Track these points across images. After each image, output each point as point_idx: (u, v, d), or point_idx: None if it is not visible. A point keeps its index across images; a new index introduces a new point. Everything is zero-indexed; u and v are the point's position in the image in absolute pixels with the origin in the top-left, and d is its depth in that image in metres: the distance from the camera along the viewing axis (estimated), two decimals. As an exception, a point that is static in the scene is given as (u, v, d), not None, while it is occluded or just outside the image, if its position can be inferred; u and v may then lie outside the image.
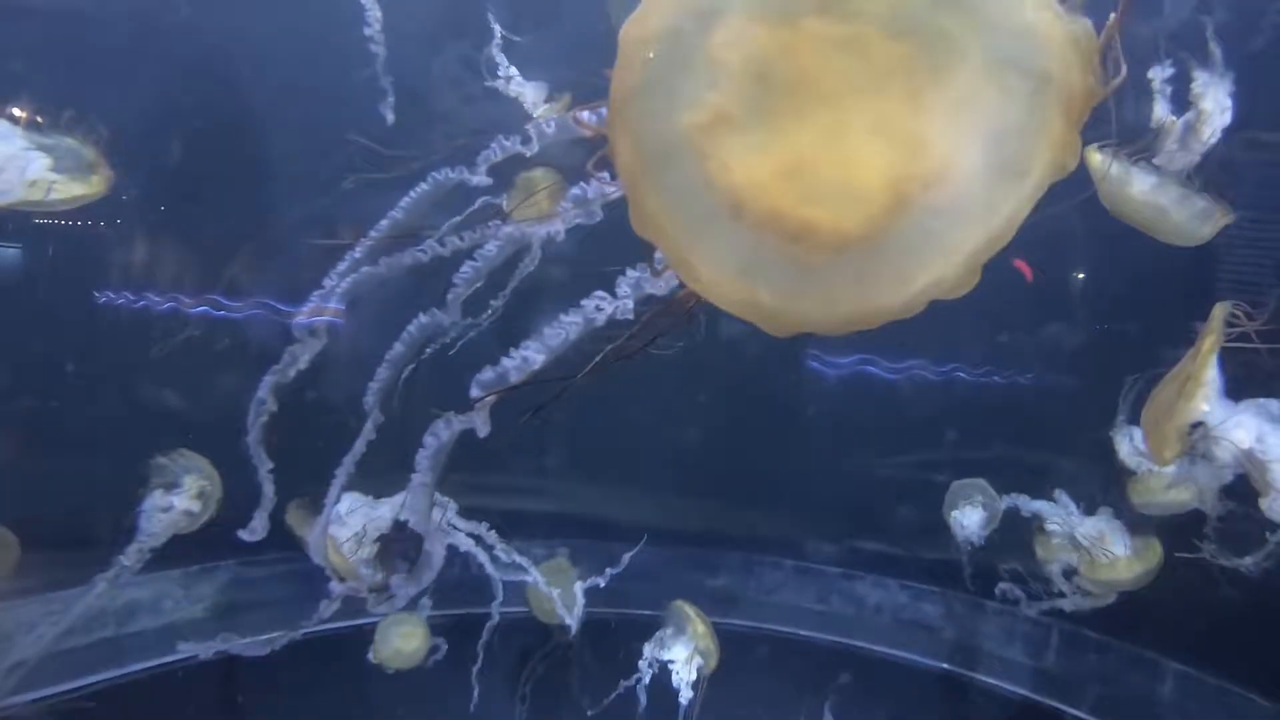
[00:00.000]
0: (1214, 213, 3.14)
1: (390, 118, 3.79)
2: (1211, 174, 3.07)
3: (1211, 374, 2.81)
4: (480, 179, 2.87)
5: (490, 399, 2.18)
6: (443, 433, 2.38)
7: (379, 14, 3.61)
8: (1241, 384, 2.86)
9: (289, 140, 4.62)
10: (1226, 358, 2.79)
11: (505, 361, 2.05)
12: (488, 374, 2.13)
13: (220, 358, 4.69)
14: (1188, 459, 2.86)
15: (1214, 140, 3.04)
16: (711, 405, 5.30)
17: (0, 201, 2.74)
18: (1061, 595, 3.84)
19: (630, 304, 2.03)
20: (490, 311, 3.42)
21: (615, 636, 4.63)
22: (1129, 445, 3.62)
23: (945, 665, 4.74)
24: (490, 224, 2.75)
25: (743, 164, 1.22)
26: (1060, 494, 3.84)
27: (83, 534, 3.56)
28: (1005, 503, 3.91)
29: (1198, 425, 2.78)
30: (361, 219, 4.87)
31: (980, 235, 1.23)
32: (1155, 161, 3.12)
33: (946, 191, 1.19)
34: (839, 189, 1.20)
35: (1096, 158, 3.21)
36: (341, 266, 5.08)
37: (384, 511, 3.58)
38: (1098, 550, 3.66)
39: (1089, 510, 3.78)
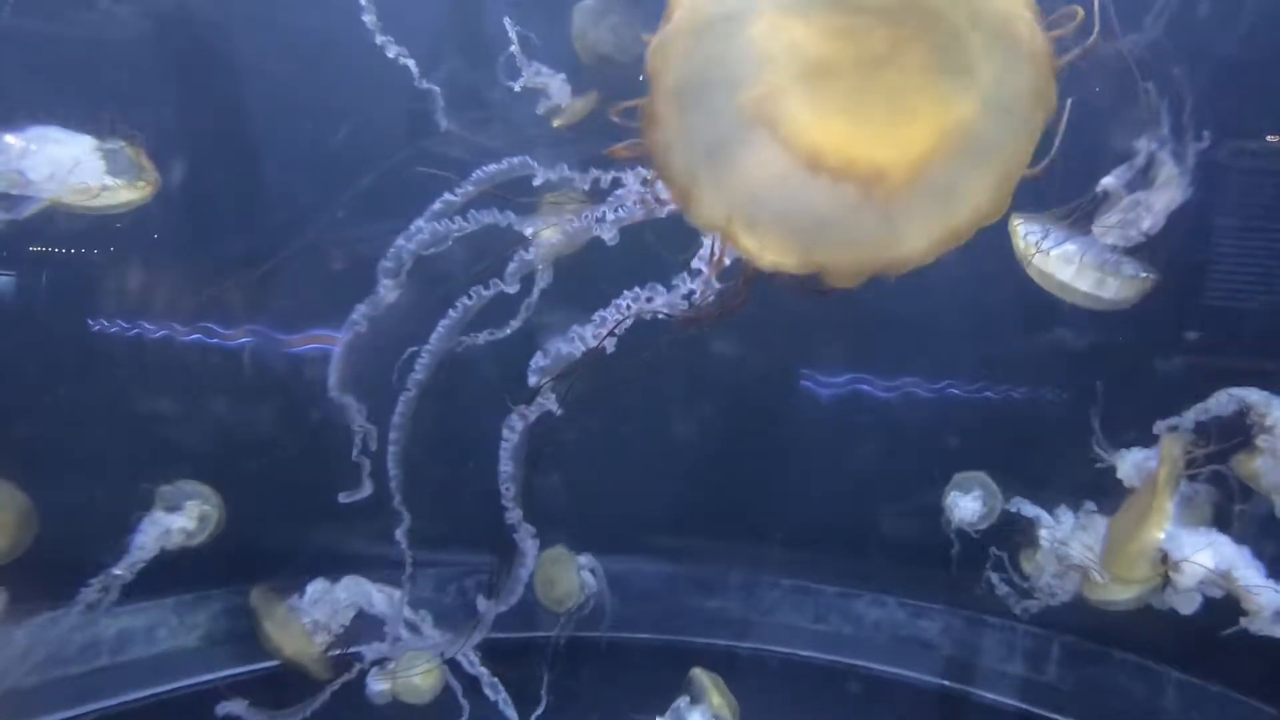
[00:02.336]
0: (1136, 281, 3.10)
1: (443, 123, 3.77)
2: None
3: (1167, 503, 2.85)
4: (545, 172, 2.82)
5: (549, 383, 2.20)
6: (518, 425, 2.38)
7: (379, 32, 3.58)
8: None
9: (285, 165, 4.61)
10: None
11: (558, 345, 2.05)
12: (542, 361, 2.16)
13: (217, 384, 4.66)
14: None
15: (1157, 228, 2.97)
16: (705, 427, 5.28)
17: (48, 198, 2.95)
18: (1051, 596, 3.80)
19: (679, 298, 2.02)
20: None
21: (611, 659, 4.59)
22: (1127, 466, 3.57)
23: (945, 682, 4.69)
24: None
25: (812, 120, 1.34)
26: (1062, 509, 3.82)
27: (78, 560, 3.48)
28: (1010, 504, 3.88)
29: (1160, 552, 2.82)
30: (360, 243, 4.89)
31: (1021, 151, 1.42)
32: (1093, 227, 3.04)
33: (982, 126, 1.37)
34: (894, 130, 1.35)
35: (1020, 234, 3.17)
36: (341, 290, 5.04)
37: (343, 596, 3.52)
38: (1093, 569, 3.63)
39: (1081, 524, 3.76)
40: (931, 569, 4.69)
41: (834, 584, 5.07)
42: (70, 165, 2.93)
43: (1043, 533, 3.78)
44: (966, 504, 4.10)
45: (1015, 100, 1.37)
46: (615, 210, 2.18)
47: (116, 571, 3.28)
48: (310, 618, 3.48)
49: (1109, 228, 2.98)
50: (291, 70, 4.45)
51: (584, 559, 4.28)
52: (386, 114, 4.35)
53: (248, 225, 4.71)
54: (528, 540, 2.55)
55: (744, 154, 1.37)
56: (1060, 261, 3.11)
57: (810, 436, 5.32)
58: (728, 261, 1.73)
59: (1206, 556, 2.77)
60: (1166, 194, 2.93)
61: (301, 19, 4.48)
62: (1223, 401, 3.08)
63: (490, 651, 3.72)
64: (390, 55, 3.46)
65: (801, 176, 1.34)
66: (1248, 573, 2.74)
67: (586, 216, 2.24)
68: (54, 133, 2.95)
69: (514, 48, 3.67)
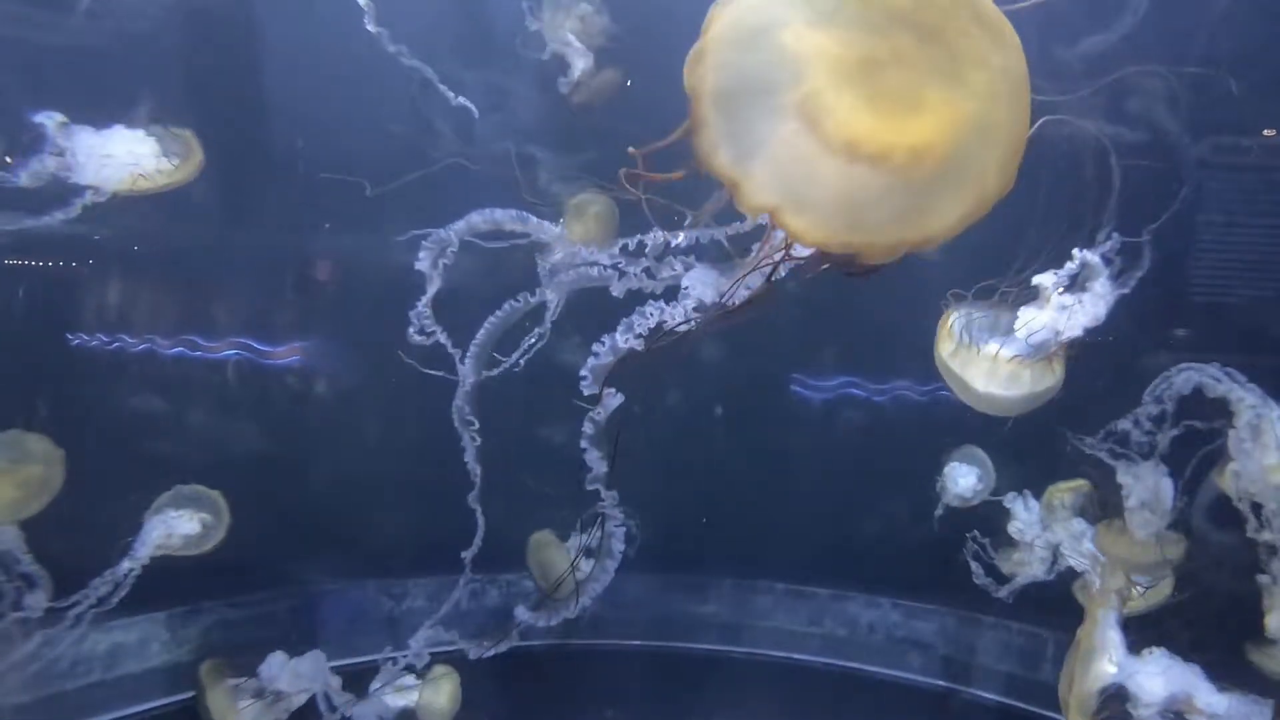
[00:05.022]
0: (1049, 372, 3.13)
1: (475, 112, 3.84)
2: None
3: (1110, 636, 2.92)
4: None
5: (604, 388, 2.32)
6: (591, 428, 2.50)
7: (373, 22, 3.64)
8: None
9: (268, 177, 4.65)
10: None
11: (598, 349, 2.15)
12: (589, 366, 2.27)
13: (202, 397, 4.70)
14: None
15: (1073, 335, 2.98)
16: (697, 433, 5.34)
17: (112, 185, 3.34)
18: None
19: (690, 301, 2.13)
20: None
21: (604, 666, 4.65)
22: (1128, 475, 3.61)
23: (941, 682, 4.77)
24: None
25: (847, 115, 1.54)
26: (1026, 496, 3.92)
27: (66, 574, 3.52)
28: (1007, 496, 3.95)
29: (1108, 689, 2.89)
30: (342, 255, 4.94)
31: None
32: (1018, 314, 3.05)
33: (987, 111, 1.60)
34: (915, 119, 1.55)
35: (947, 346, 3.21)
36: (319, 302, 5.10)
37: (302, 672, 3.56)
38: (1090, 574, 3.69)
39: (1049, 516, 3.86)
40: (924, 570, 4.78)
41: (827, 587, 5.14)
42: (132, 155, 3.34)
43: (1013, 524, 3.89)
44: (964, 475, 4.17)
45: (1011, 87, 1.62)
46: (636, 270, 2.29)
47: (129, 565, 3.38)
48: (268, 689, 3.53)
49: (1029, 325, 3.01)
50: (289, 75, 4.50)
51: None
52: (390, 119, 4.42)
53: (232, 237, 4.75)
54: (614, 543, 2.64)
55: (787, 148, 1.55)
56: (979, 362, 3.14)
57: (801, 440, 5.38)
58: (776, 255, 1.84)
59: (1160, 685, 2.85)
60: (1093, 311, 2.96)
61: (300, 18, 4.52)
62: (1195, 380, 3.15)
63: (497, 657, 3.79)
64: (391, 50, 3.52)
65: (840, 164, 1.53)
66: (1208, 697, 2.82)
67: (604, 264, 2.36)
68: (115, 128, 3.34)
69: (535, 25, 3.71)
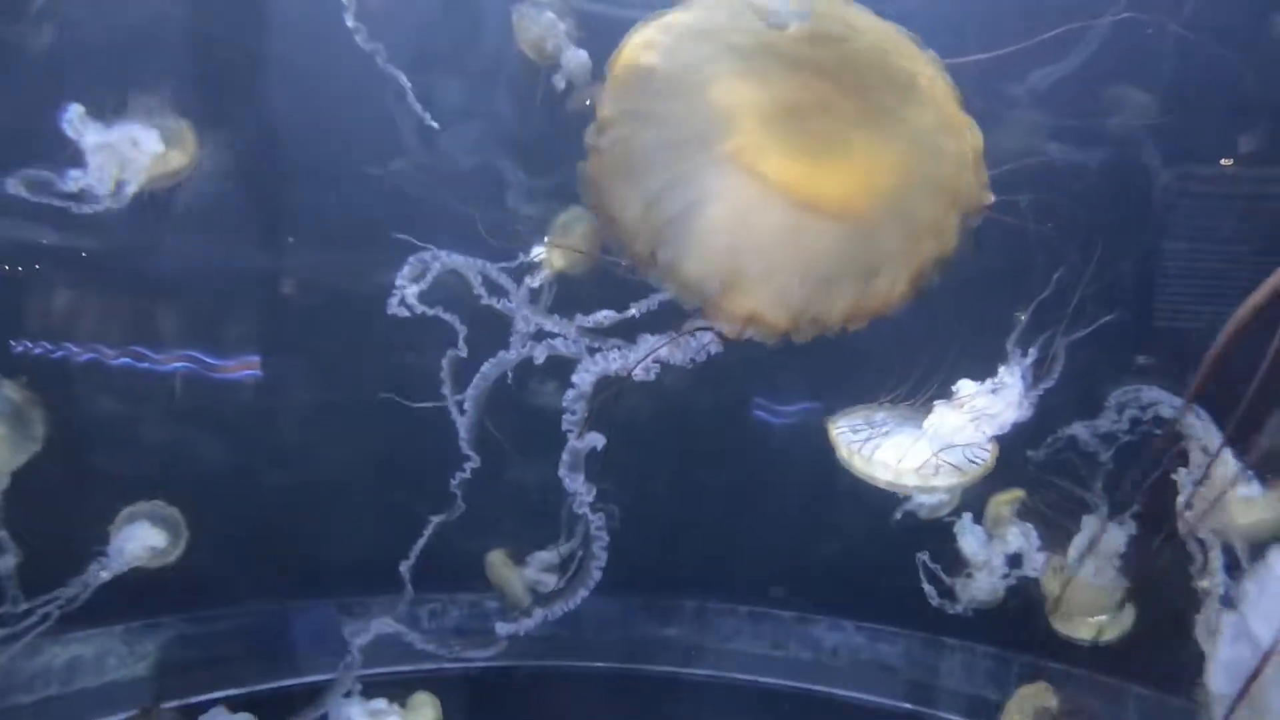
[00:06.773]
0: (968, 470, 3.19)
1: (436, 125, 3.84)
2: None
3: None
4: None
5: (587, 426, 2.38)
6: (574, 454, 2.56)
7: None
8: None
9: (226, 185, 4.62)
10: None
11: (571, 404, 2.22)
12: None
13: (150, 409, 4.64)
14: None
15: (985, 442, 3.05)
16: (659, 457, 5.37)
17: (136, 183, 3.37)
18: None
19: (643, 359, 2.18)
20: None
21: (567, 689, 4.65)
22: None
23: (907, 705, 4.84)
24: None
25: (782, 166, 1.47)
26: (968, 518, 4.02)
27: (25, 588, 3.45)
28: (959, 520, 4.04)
29: None
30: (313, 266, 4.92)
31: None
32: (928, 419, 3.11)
33: (919, 162, 1.56)
34: (846, 169, 1.50)
35: (840, 442, 3.27)
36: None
37: None
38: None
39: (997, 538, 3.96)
40: (888, 593, 4.85)
41: (792, 610, 5.20)
42: (142, 150, 3.36)
43: (963, 543, 3.99)
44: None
45: (937, 137, 1.56)
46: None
47: (102, 572, 3.35)
48: None
49: (939, 426, 3.07)
50: (270, 78, 4.50)
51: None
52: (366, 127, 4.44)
53: (185, 245, 4.71)
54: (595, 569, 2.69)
55: (716, 208, 1.45)
56: (885, 459, 3.21)
57: (764, 464, 5.44)
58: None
59: None
60: (1000, 419, 3.04)
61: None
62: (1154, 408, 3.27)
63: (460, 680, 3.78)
64: (367, 49, 3.53)
65: (778, 218, 1.45)
66: None
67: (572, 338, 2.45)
68: (124, 123, 3.35)
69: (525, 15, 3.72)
